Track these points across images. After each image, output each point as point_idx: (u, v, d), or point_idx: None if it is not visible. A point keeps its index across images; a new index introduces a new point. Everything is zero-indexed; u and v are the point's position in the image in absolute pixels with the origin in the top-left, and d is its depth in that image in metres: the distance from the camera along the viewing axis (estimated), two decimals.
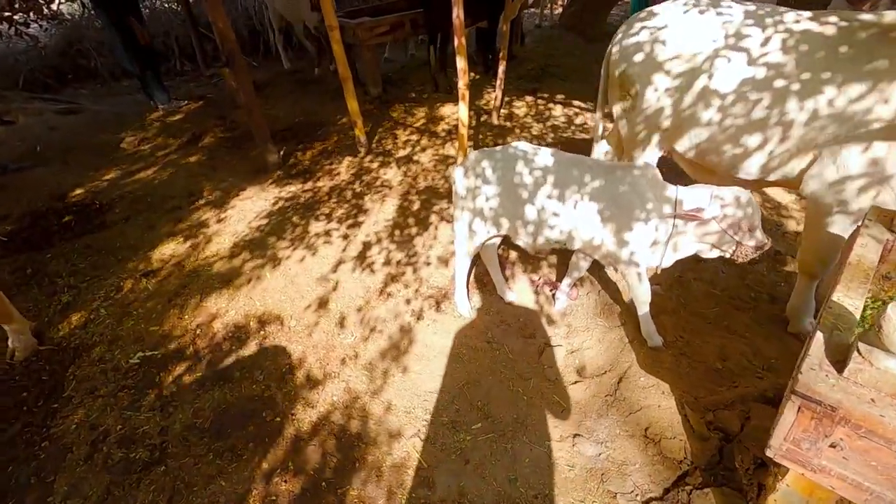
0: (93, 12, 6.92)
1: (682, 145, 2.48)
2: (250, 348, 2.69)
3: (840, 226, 1.95)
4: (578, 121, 5.33)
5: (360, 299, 2.99)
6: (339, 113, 5.62)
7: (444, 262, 3.29)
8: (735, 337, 2.48)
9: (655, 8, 2.55)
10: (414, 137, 5.13)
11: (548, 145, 4.84)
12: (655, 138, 2.61)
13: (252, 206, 3.99)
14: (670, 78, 2.39)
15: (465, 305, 2.81)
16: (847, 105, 1.82)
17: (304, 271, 3.24)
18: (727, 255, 2.14)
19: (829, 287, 2.34)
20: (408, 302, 2.96)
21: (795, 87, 1.96)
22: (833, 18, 1.96)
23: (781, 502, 1.36)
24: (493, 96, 5.64)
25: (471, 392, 2.38)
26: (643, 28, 2.51)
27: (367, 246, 3.48)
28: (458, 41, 3.03)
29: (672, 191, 2.14)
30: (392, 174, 4.45)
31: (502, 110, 5.48)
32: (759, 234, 2.06)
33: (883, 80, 1.73)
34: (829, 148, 1.88)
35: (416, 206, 3.94)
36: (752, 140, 2.15)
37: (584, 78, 6.52)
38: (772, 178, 2.19)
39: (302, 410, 2.33)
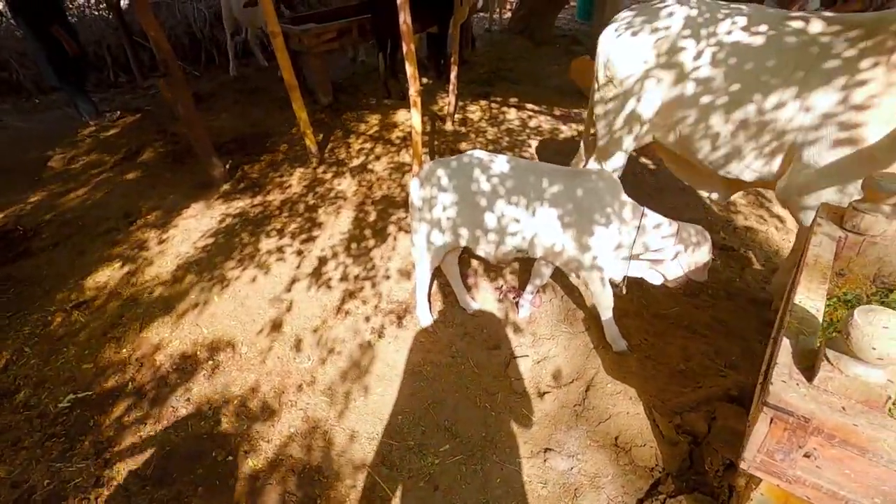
0: (12, 21, 6.41)
1: (665, 138, 2.54)
2: (198, 381, 2.49)
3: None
4: (532, 124, 5.35)
5: (316, 319, 2.84)
6: (287, 123, 5.41)
7: (405, 274, 3.18)
8: (696, 336, 2.50)
9: (642, 5, 2.58)
10: (368, 146, 4.99)
11: (503, 149, 4.83)
12: (636, 131, 2.64)
13: (197, 225, 3.75)
14: (652, 72, 2.41)
15: (428, 319, 2.71)
16: (814, 107, 1.85)
17: (256, 292, 3.06)
18: (666, 282, 2.26)
19: (785, 285, 2.39)
20: (367, 319, 2.83)
21: (768, 88, 1.99)
22: (809, 20, 1.97)
23: None
24: (447, 102, 5.58)
25: (437, 412, 2.28)
26: (629, 22, 2.54)
27: (322, 261, 3.32)
28: (407, 48, 2.94)
29: (630, 207, 2.16)
30: (346, 184, 4.30)
31: (456, 115, 5.43)
32: (706, 272, 2.17)
33: (846, 85, 1.75)
34: (799, 150, 1.90)
35: (372, 217, 3.81)
36: (728, 139, 2.18)
37: (536, 81, 6.57)
38: (749, 178, 2.21)
39: (257, 446, 2.17)
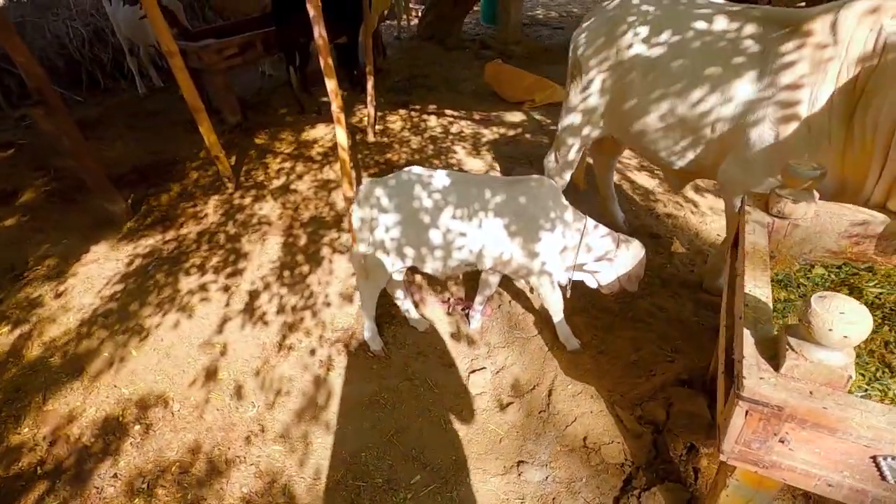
0: None
1: (617, 132, 2.63)
2: (125, 451, 2.19)
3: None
4: (454, 130, 5.36)
5: (256, 360, 2.62)
6: (194, 147, 5.00)
7: (347, 298, 3.03)
8: (641, 326, 2.60)
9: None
10: (287, 165, 4.73)
11: (429, 158, 4.79)
12: (590, 123, 2.72)
13: (100, 271, 3.33)
14: (605, 63, 2.48)
15: (378, 343, 2.60)
16: (744, 96, 1.96)
17: (181, 339, 2.76)
18: (601, 288, 2.35)
19: (718, 268, 2.53)
20: (313, 352, 2.66)
21: (703, 80, 2.07)
22: (744, 11, 2.06)
23: (733, 496, 1.38)
24: (365, 113, 5.46)
25: (402, 441, 2.17)
26: (593, 15, 2.63)
27: (254, 295, 3.08)
28: (325, 62, 2.80)
29: (571, 210, 2.19)
30: (269, 208, 4.04)
31: (377, 126, 5.31)
32: (637, 283, 2.29)
33: (769, 72, 1.85)
34: (736, 139, 2.02)
35: (303, 241, 3.60)
36: (667, 132, 2.27)
37: (452, 86, 6.62)
38: (692, 167, 2.32)
39: None
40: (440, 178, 2.14)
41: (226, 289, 3.15)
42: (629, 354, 2.43)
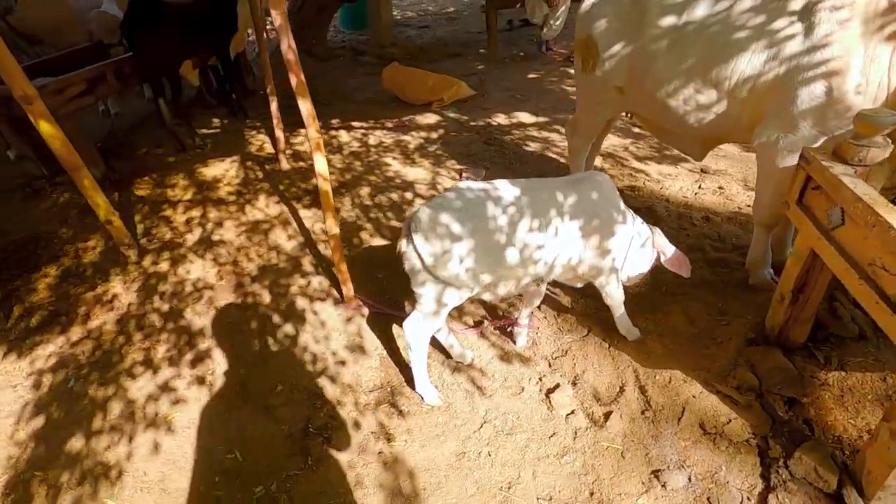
0: None
1: (637, 101, 2.61)
2: None
3: (791, 172, 2.02)
4: (373, 142, 4.99)
5: (291, 460, 2.08)
6: (55, 214, 3.92)
7: (359, 350, 2.58)
8: (681, 299, 2.63)
9: None
10: (195, 214, 3.94)
11: (363, 175, 4.38)
12: (611, 97, 2.67)
13: None
14: (629, 36, 2.44)
15: (433, 391, 2.24)
16: (784, 53, 1.98)
17: (174, 463, 2.08)
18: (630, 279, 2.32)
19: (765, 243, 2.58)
20: (358, 426, 2.20)
21: (742, 42, 2.06)
22: None
23: None
24: (262, 140, 4.86)
25: (522, 493, 1.89)
26: None
27: (241, 379, 2.47)
28: (298, 78, 2.29)
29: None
30: (199, 269, 3.31)
31: (286, 152, 4.71)
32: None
33: (817, 28, 1.86)
34: (774, 96, 2.04)
35: (266, 298, 3.01)
36: (702, 96, 2.26)
37: (347, 97, 6.18)
38: (724, 132, 2.31)
39: None
40: (507, 189, 1.88)
41: (200, 380, 2.48)
42: (688, 329, 2.44)
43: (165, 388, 2.45)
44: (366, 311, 2.82)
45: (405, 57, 7.35)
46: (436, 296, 1.90)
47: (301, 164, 4.61)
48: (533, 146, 4.57)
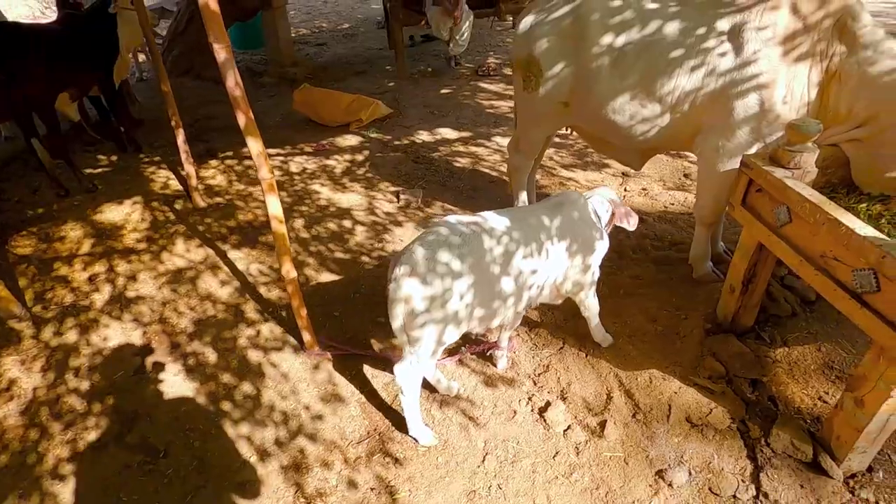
0: None
1: (582, 116, 2.70)
2: None
3: (726, 181, 2.31)
4: (295, 168, 4.72)
5: None
6: None
7: (336, 399, 2.41)
8: (637, 297, 2.79)
9: None
10: (99, 269, 3.44)
11: (291, 206, 4.10)
12: (556, 112, 2.76)
13: None
14: (572, 54, 2.54)
15: (428, 432, 2.14)
16: (711, 63, 2.20)
17: None
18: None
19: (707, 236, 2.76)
20: (354, 485, 2.03)
21: (673, 51, 2.25)
22: None
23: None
24: (166, 176, 4.43)
25: None
26: (538, 14, 2.63)
27: (196, 455, 2.17)
28: (247, 117, 2.06)
29: (590, 204, 2.15)
30: (118, 334, 2.89)
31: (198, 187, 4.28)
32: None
33: (747, 47, 2.09)
34: (712, 108, 2.24)
35: (211, 357, 2.70)
36: (646, 110, 2.42)
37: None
38: (666, 142, 2.47)
39: None
40: (496, 220, 1.86)
41: (147, 466, 2.13)
42: (652, 327, 2.59)
43: (106, 485, 2.07)
44: (330, 354, 2.63)
45: (308, 77, 7.07)
46: (436, 336, 1.81)
47: (218, 199, 4.22)
48: (463, 161, 4.61)
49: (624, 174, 4.16)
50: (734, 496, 1.89)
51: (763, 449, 2.00)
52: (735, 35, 2.14)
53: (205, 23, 1.79)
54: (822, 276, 1.75)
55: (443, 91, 6.32)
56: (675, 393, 2.24)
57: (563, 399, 2.31)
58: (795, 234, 1.89)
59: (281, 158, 4.90)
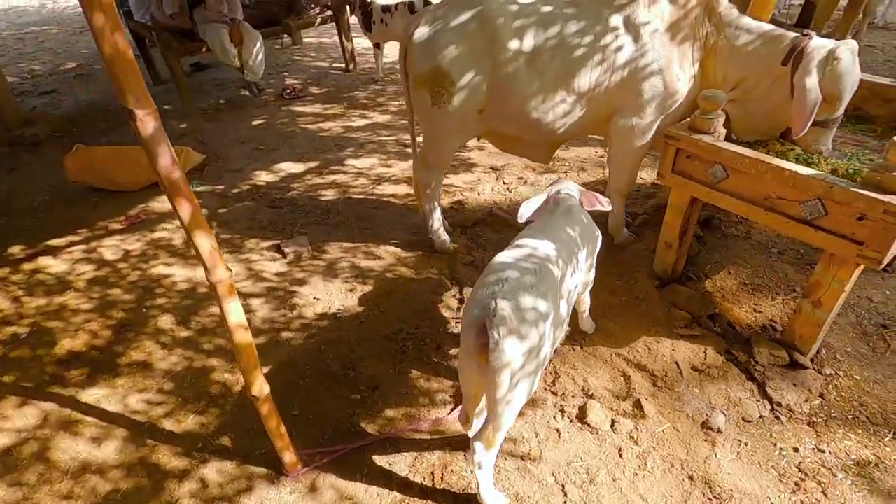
0: None
1: (502, 119, 2.69)
2: None
3: (640, 153, 2.72)
4: (111, 255, 3.60)
5: None
6: None
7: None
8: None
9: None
10: None
11: (135, 308, 3.12)
12: (472, 120, 2.70)
13: None
14: (483, 59, 2.49)
15: (499, 495, 1.91)
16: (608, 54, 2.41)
17: None
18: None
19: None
20: None
21: (583, 46, 2.38)
22: None
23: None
24: None
25: None
26: (438, 24, 2.51)
27: None
28: (193, 206, 1.38)
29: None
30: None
31: None
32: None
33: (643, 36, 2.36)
34: (623, 92, 2.47)
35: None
36: (563, 104, 2.54)
37: (14, 208, 4.18)
38: (582, 130, 2.62)
39: None
40: (544, 245, 1.70)
41: None
42: (617, 300, 2.78)
43: None
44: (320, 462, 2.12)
45: (56, 134, 5.47)
46: (529, 390, 1.59)
47: (16, 330, 2.94)
48: (328, 193, 4.17)
49: (492, 168, 4.34)
50: (761, 416, 2.18)
51: (755, 368, 2.35)
52: (630, 27, 2.40)
53: None
54: (773, 214, 2.12)
55: (255, 123, 5.59)
56: (673, 350, 2.46)
57: (591, 397, 2.32)
58: (735, 186, 2.24)
59: (83, 247, 3.67)
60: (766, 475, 1.98)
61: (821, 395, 2.24)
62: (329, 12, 6.49)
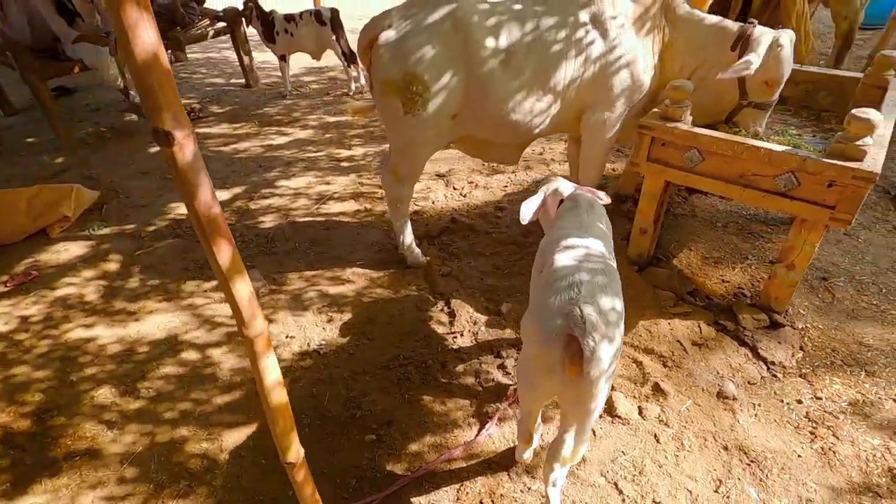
0: None
1: (477, 122, 2.60)
2: None
3: (609, 146, 2.81)
4: (5, 325, 2.90)
5: None
6: None
7: None
8: None
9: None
10: None
11: (60, 390, 2.55)
12: (445, 127, 2.58)
13: None
14: (453, 61, 2.39)
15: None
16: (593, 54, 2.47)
17: None
18: None
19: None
20: None
21: (556, 44, 2.39)
22: None
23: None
24: None
25: (694, 490, 1.89)
26: (401, 23, 2.37)
27: None
28: (232, 247, 1.05)
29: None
30: None
31: None
32: None
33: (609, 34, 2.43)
34: (594, 88, 2.54)
35: None
36: (539, 104, 2.53)
37: None
38: (554, 129, 2.62)
39: None
40: (595, 243, 1.64)
41: None
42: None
43: None
44: None
45: None
46: (607, 394, 1.51)
47: None
48: (267, 220, 3.77)
49: (440, 176, 4.25)
50: (762, 378, 2.35)
51: (745, 333, 2.53)
52: (598, 23, 2.47)
53: None
54: (749, 190, 2.30)
55: (152, 150, 4.89)
56: (671, 330, 2.57)
57: (613, 389, 2.33)
58: (711, 168, 2.39)
59: None
60: (785, 431, 2.13)
61: (801, 349, 2.48)
62: (222, 24, 5.93)
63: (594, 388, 1.37)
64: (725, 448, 2.07)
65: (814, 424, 2.14)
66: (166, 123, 0.90)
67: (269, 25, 5.53)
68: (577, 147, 3.27)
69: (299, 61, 7.02)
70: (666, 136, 2.43)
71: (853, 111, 2.00)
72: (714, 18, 2.55)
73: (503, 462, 2.07)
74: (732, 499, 1.90)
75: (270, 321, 2.84)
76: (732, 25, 2.47)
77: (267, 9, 5.58)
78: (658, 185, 2.64)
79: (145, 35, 0.82)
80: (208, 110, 5.74)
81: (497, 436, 2.18)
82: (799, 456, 2.03)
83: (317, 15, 5.41)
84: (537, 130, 2.67)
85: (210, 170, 4.20)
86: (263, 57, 7.09)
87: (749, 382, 2.33)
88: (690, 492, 1.92)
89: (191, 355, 2.65)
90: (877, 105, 2.62)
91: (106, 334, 2.80)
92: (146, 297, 3.07)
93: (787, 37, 2.34)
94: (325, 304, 2.93)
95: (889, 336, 2.53)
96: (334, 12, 5.43)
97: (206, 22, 5.91)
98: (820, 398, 2.25)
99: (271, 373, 1.35)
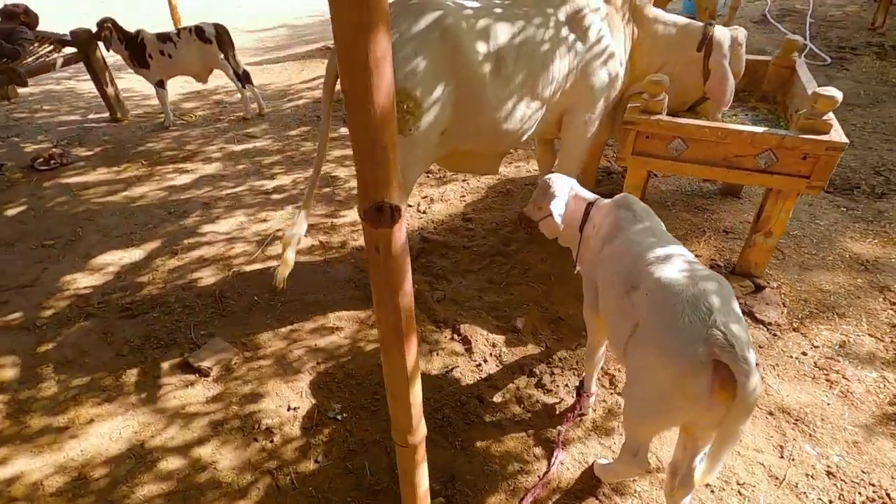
0: None
1: (466, 135, 2.47)
2: None
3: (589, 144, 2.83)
4: None
5: None
6: None
7: None
8: (547, 268, 2.95)
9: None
10: None
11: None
12: (434, 144, 2.38)
13: None
14: (443, 73, 2.22)
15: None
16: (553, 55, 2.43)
17: None
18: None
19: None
20: None
21: (541, 47, 2.37)
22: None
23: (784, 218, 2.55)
24: None
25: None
26: (393, 32, 2.12)
27: None
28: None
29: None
30: None
31: None
32: None
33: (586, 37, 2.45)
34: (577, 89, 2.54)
35: None
36: (529, 109, 2.47)
37: None
38: (537, 134, 2.59)
39: None
40: (682, 249, 1.58)
41: None
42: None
43: None
44: None
45: None
46: None
47: None
48: (205, 275, 3.18)
49: None
50: (767, 339, 2.55)
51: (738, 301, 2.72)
52: (576, 24, 2.45)
53: None
54: (734, 171, 2.47)
55: (11, 212, 3.87)
56: None
57: None
58: (695, 154, 2.52)
59: None
60: (806, 384, 2.32)
61: (784, 305, 2.74)
62: (71, 51, 4.90)
63: (750, 411, 1.32)
64: (771, 413, 2.20)
65: (825, 372, 2.37)
66: (393, 197, 0.62)
67: (137, 48, 4.70)
68: (546, 149, 3.26)
69: (174, 86, 6.12)
70: (651, 129, 2.51)
71: (817, 90, 2.24)
72: (679, 18, 2.71)
73: (586, 487, 1.96)
74: (798, 460, 2.02)
75: (261, 396, 2.39)
76: (695, 25, 2.64)
77: (132, 29, 4.74)
78: (641, 177, 2.73)
79: (383, 92, 0.55)
80: (72, 154, 4.72)
81: (568, 460, 2.06)
82: (828, 404, 2.23)
83: (198, 32, 4.72)
84: (525, 137, 2.59)
85: (103, 226, 3.53)
86: (124, 84, 6.04)
87: (760, 346, 2.52)
88: (763, 464, 2.00)
89: (172, 463, 2.11)
90: (786, 83, 3.00)
91: (35, 466, 2.12)
92: (75, 403, 2.39)
93: (742, 35, 2.57)
94: (319, 361, 2.55)
95: (837, 279, 2.91)
96: (220, 28, 4.79)
97: (48, 48, 4.83)
98: (818, 346, 2.50)
99: (424, 481, 1.07)
